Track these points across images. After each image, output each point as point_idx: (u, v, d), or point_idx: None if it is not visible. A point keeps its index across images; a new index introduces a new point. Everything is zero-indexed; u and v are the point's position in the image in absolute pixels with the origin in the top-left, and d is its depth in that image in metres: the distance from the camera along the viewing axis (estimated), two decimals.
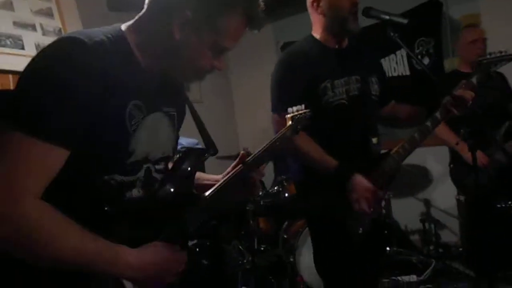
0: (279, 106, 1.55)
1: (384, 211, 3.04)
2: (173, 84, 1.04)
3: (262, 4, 0.95)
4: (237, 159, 1.07)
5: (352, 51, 1.65)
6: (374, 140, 1.56)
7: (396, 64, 3.51)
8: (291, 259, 2.66)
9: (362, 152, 1.53)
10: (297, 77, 1.54)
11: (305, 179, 1.67)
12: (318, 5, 1.59)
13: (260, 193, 3.07)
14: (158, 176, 0.98)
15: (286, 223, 2.91)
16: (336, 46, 1.62)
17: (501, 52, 1.43)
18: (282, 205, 2.98)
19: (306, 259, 2.56)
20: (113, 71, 0.83)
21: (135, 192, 0.93)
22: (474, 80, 1.45)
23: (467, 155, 2.05)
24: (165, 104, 0.99)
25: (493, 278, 2.28)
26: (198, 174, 1.13)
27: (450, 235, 3.18)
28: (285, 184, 3.00)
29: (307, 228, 2.66)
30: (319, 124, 1.54)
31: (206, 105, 4.30)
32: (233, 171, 1.06)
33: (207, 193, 1.03)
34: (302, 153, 1.54)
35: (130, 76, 0.88)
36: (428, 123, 1.49)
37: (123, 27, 0.94)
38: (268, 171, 3.71)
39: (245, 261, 2.84)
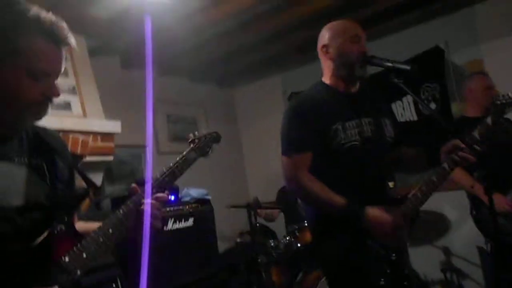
0: (289, 148, 1.55)
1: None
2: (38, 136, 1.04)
3: (57, 22, 0.96)
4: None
5: (363, 95, 1.66)
6: (391, 184, 1.52)
7: (403, 110, 3.53)
8: None
9: (378, 197, 1.48)
10: (307, 119, 1.54)
11: (320, 225, 1.62)
12: (327, 51, 1.64)
13: (272, 244, 2.98)
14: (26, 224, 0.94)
15: (300, 275, 2.79)
16: (346, 91, 1.64)
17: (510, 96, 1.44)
18: (295, 256, 2.88)
19: None
20: None
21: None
22: (489, 121, 1.45)
23: (485, 198, 1.99)
24: (26, 156, 0.98)
25: None
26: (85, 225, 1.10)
27: (474, 285, 3.01)
28: (297, 234, 2.91)
29: (322, 281, 2.55)
30: (332, 168, 1.53)
31: (215, 156, 4.32)
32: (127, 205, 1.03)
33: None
34: (307, 193, 1.52)
35: None
36: (445, 165, 1.46)
37: None
38: (279, 222, 3.63)
39: None
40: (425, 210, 3.17)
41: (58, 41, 0.96)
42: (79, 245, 0.97)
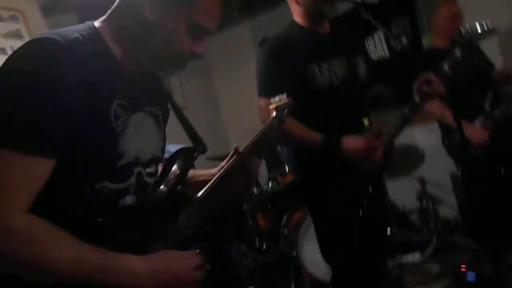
0: (266, 90, 1.53)
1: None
2: (155, 82, 1.01)
3: None
4: (231, 153, 1.06)
5: (335, 35, 1.65)
6: (366, 121, 1.55)
7: (375, 48, 3.52)
8: (294, 254, 2.65)
9: (355, 134, 1.51)
10: (282, 61, 1.53)
11: (301, 160, 1.66)
12: None
13: (256, 192, 3.06)
14: (150, 180, 0.95)
15: (285, 217, 2.90)
16: (318, 31, 1.62)
17: (481, 24, 1.43)
18: (278, 200, 2.97)
19: (308, 252, 2.55)
20: (92, 70, 0.79)
21: (128, 200, 0.89)
22: (457, 53, 1.45)
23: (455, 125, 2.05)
24: (148, 104, 0.95)
25: (496, 248, 2.31)
26: (193, 172, 1.11)
27: (448, 210, 3.20)
28: (279, 178, 2.98)
29: (306, 221, 2.66)
30: (308, 109, 1.54)
31: (191, 110, 4.27)
32: (228, 163, 1.04)
33: (200, 193, 0.99)
34: (285, 131, 1.53)
35: (110, 75, 0.84)
36: (417, 98, 1.49)
37: (97, 23, 0.90)
38: (261, 170, 3.70)
39: (248, 261, 2.82)
40: (400, 144, 3.28)
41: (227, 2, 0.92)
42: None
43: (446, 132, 2.43)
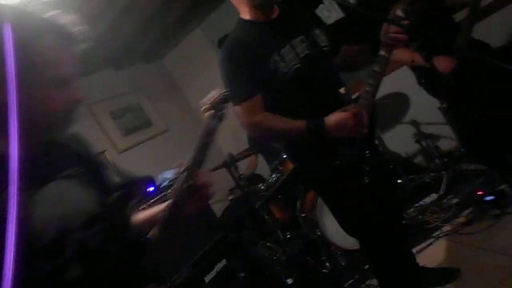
0: (237, 97, 1.52)
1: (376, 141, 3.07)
2: (63, 146, 0.97)
3: (69, 17, 0.89)
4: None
5: (285, 16, 1.63)
6: (342, 90, 1.55)
7: (328, 12, 3.51)
8: (318, 233, 2.67)
9: (336, 107, 1.51)
10: (243, 64, 1.51)
11: (296, 152, 1.66)
12: None
13: (262, 187, 3.06)
14: (97, 239, 0.91)
15: (298, 202, 2.91)
16: (268, 19, 1.60)
17: None
18: (285, 188, 2.98)
19: (331, 227, 2.57)
20: None
21: (74, 272, 0.85)
22: (399, 13, 1.46)
23: (427, 64, 2.06)
24: (61, 169, 0.92)
25: (503, 163, 2.34)
26: (145, 213, 1.09)
27: (448, 142, 3.24)
28: (280, 168, 2.99)
29: (319, 198, 2.67)
30: (285, 97, 1.54)
31: (174, 131, 4.25)
32: (173, 192, 1.02)
33: (152, 231, 0.98)
34: (269, 132, 1.54)
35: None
36: (382, 52, 1.49)
37: None
38: (262, 164, 3.70)
39: (278, 255, 2.84)
40: (383, 95, 3.31)
41: (67, 41, 0.88)
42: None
43: (419, 72, 2.45)
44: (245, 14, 1.61)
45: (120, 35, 3.37)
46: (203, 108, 1.12)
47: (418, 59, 2.10)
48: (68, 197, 0.90)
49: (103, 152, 3.63)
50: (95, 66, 3.72)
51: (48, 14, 0.87)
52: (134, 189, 1.05)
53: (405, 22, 1.41)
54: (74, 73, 0.89)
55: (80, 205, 0.91)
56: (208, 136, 1.06)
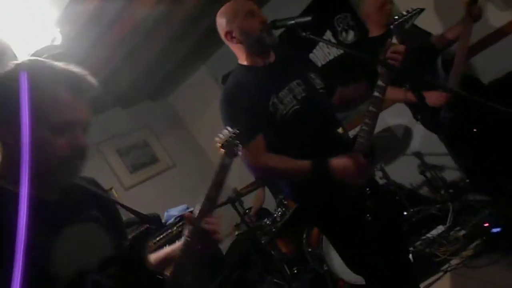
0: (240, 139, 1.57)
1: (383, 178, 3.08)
2: (77, 190, 1.00)
3: (73, 71, 0.93)
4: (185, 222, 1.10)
5: (282, 61, 1.70)
6: (340, 130, 1.59)
7: (328, 49, 3.63)
8: (325, 268, 2.64)
9: (335, 146, 1.55)
10: (242, 108, 1.56)
11: (296, 191, 1.68)
12: (232, 36, 1.65)
13: (268, 222, 3.06)
14: (111, 282, 0.93)
15: (304, 237, 2.90)
16: (265, 64, 1.67)
17: (408, 11, 1.52)
18: (291, 223, 2.97)
19: (338, 262, 2.54)
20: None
21: None
22: (394, 41, 1.53)
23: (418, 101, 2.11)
24: (80, 212, 0.96)
25: (507, 193, 2.34)
26: (157, 254, 1.13)
27: (453, 173, 3.24)
28: (285, 202, 3.00)
29: None
30: (284, 138, 1.58)
31: (181, 166, 4.30)
32: (187, 232, 1.06)
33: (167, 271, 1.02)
34: (273, 172, 1.57)
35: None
36: (376, 93, 1.54)
37: None
38: (268, 198, 3.71)
39: None
40: (383, 129, 3.35)
41: (76, 89, 0.92)
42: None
43: (415, 108, 2.51)
44: (243, 60, 1.68)
45: (127, 75, 3.50)
46: (217, 146, 1.18)
47: (410, 96, 2.18)
48: (85, 240, 0.93)
49: (110, 189, 3.68)
50: (104, 105, 3.84)
51: (59, 64, 0.93)
52: (149, 230, 1.07)
53: (392, 64, 1.46)
54: (80, 119, 0.93)
55: (96, 247, 0.95)
56: (222, 173, 1.13)
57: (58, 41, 1.64)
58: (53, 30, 1.66)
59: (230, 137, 1.22)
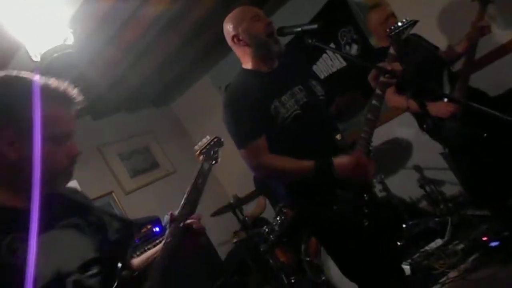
0: (242, 141, 1.59)
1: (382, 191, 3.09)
2: (63, 197, 1.05)
3: (62, 85, 0.99)
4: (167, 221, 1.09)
5: (285, 66, 1.74)
6: (338, 136, 1.62)
7: (331, 61, 3.68)
8: (323, 278, 2.64)
9: (331, 152, 1.57)
10: (245, 111, 1.59)
11: (294, 196, 1.70)
12: (238, 39, 1.68)
13: (266, 230, 3.06)
14: (93, 281, 0.96)
15: (303, 245, 2.90)
16: (269, 69, 1.70)
17: (403, 21, 1.57)
18: (290, 231, 2.98)
19: (336, 272, 2.54)
20: None
21: None
22: (392, 51, 1.58)
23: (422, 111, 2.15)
24: (60, 219, 0.99)
25: (507, 209, 2.35)
26: (140, 257, 1.15)
27: (452, 187, 3.26)
28: (284, 210, 3.01)
29: None
30: (285, 142, 1.61)
31: (181, 173, 4.31)
32: (167, 233, 1.07)
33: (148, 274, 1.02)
34: (276, 172, 1.59)
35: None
36: (374, 102, 1.58)
37: None
38: (267, 209, 3.72)
39: None
40: (385, 141, 3.38)
41: (68, 102, 0.99)
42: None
43: (420, 118, 2.54)
44: (247, 64, 1.72)
45: (134, 79, 3.55)
46: (197, 153, 1.22)
47: (414, 105, 2.21)
48: (64, 244, 0.97)
49: (110, 193, 3.69)
50: (109, 109, 3.88)
51: (45, 80, 1.00)
52: (132, 233, 1.12)
53: (398, 62, 1.50)
54: (74, 129, 1.00)
55: (76, 251, 0.98)
56: (200, 178, 1.17)
57: (70, 41, 1.68)
58: (65, 30, 1.70)
59: (208, 144, 1.27)
